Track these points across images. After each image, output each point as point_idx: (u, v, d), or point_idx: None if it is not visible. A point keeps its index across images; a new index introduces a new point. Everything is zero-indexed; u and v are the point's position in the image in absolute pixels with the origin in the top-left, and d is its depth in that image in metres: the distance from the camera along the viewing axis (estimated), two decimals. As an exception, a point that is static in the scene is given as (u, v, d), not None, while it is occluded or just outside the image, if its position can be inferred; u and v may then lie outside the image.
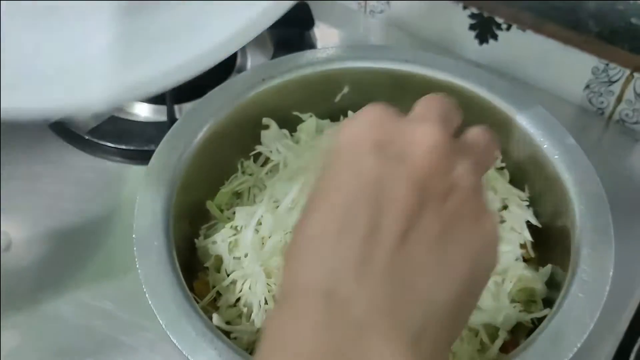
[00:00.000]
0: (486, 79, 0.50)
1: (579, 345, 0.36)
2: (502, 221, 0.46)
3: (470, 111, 0.50)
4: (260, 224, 0.46)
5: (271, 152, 0.50)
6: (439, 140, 0.26)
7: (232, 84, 0.51)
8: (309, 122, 0.52)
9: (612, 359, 0.50)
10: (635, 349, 0.52)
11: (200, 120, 0.48)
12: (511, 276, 0.44)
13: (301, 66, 0.51)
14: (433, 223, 0.25)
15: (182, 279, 0.40)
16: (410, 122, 0.27)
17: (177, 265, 0.40)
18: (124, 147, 0.62)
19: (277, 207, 0.46)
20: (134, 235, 0.41)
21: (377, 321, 0.23)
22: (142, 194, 0.43)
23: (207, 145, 0.48)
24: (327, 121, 0.53)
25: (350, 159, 0.26)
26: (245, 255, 0.45)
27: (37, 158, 0.63)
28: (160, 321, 0.37)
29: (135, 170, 0.61)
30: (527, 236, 0.46)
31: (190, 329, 0.37)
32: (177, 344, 0.36)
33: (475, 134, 0.30)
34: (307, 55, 0.52)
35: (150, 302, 0.38)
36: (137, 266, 0.40)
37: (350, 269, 0.24)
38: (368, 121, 0.27)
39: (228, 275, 0.45)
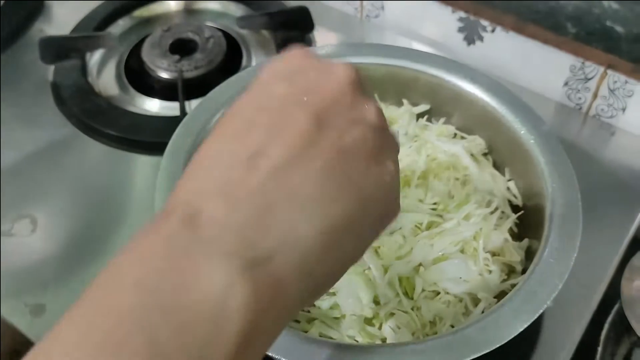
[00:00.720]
0: (470, 74, 0.55)
1: (548, 302, 0.41)
2: (494, 210, 0.50)
3: (458, 103, 0.56)
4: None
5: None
6: (352, 77, 0.26)
7: (239, 79, 0.56)
8: None
9: (587, 329, 0.55)
10: (609, 319, 0.57)
11: (211, 110, 0.53)
12: (492, 250, 0.49)
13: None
14: (322, 154, 0.24)
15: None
16: (328, 62, 0.28)
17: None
18: (137, 138, 0.67)
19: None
20: (155, 212, 0.46)
21: (224, 238, 0.23)
22: (161, 175, 0.48)
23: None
24: None
25: (261, 88, 0.27)
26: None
27: (57, 149, 0.68)
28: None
29: (148, 160, 0.67)
30: (512, 215, 0.51)
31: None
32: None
33: None
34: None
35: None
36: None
37: (221, 190, 0.24)
38: (289, 57, 0.28)
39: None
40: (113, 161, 0.67)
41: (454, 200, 0.49)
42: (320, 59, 0.28)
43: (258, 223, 0.23)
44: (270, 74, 0.27)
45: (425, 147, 0.52)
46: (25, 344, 0.54)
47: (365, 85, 0.28)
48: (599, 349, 0.55)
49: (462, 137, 0.55)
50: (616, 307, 0.57)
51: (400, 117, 0.55)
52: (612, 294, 0.57)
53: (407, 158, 0.51)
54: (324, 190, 0.24)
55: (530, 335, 0.54)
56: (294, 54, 0.28)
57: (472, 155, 0.53)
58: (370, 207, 0.25)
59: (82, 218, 0.62)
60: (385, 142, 0.27)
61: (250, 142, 0.25)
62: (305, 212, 0.24)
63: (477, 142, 0.54)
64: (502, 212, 0.51)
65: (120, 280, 0.23)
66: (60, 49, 0.72)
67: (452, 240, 0.45)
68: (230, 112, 0.27)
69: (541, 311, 0.41)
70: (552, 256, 0.43)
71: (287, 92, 0.26)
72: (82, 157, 0.67)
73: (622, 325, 0.56)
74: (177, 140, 0.50)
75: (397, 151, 0.29)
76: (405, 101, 0.57)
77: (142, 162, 0.67)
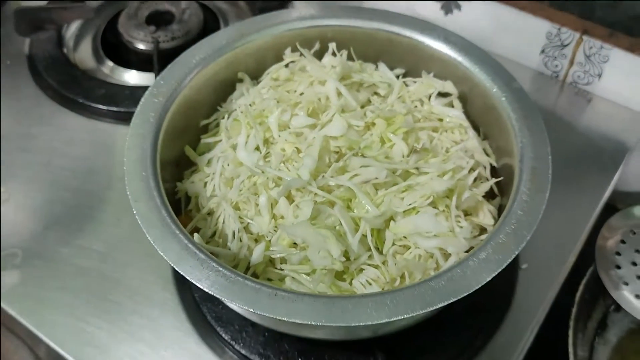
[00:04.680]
0: (443, 34, 0.55)
1: (516, 252, 0.41)
2: (471, 170, 0.50)
3: (432, 64, 0.56)
4: (228, 165, 0.50)
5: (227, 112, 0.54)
6: None
7: (209, 42, 0.55)
8: (276, 67, 0.56)
9: (561, 291, 0.55)
10: (584, 281, 0.57)
11: (181, 73, 0.53)
12: (466, 209, 0.49)
13: (275, 24, 0.56)
14: None
15: (168, 204, 0.44)
16: None
17: (163, 191, 0.45)
18: (114, 108, 0.67)
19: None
20: (124, 167, 0.46)
21: None
22: (131, 134, 0.48)
23: (190, 95, 0.53)
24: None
25: None
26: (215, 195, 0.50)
27: (32, 120, 0.68)
28: (148, 236, 0.42)
29: (124, 130, 0.66)
30: (490, 178, 0.51)
31: (175, 244, 0.42)
32: (163, 256, 0.41)
33: None
34: (282, 15, 0.57)
35: (139, 221, 0.42)
36: (127, 191, 0.44)
37: None
38: None
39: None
40: (91, 132, 0.66)
41: (433, 156, 0.49)
42: None
43: None
44: None
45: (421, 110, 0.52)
46: None
47: None
48: (574, 310, 0.55)
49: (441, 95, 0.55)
50: (591, 269, 0.57)
51: (382, 84, 0.55)
52: (587, 256, 0.58)
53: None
54: None
55: (505, 296, 0.54)
56: None
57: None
58: None
59: (61, 188, 0.62)
60: None
61: None
62: None
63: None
64: (479, 173, 0.51)
65: None
66: (35, 20, 0.71)
67: (424, 193, 0.45)
68: None
69: (509, 261, 0.41)
70: (520, 208, 0.43)
71: None
72: (59, 129, 0.67)
73: (597, 287, 0.57)
74: (147, 100, 0.50)
75: None
76: (382, 64, 0.57)
77: (121, 133, 0.66)
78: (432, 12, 0.73)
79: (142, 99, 0.50)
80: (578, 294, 0.56)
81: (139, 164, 0.46)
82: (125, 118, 0.67)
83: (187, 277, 0.40)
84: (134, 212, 0.43)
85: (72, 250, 0.57)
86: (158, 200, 0.44)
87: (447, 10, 0.72)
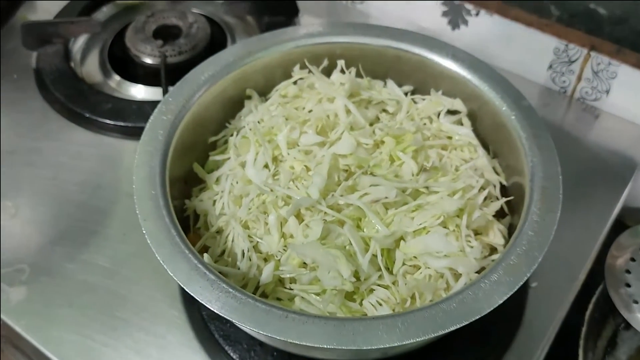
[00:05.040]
0: (452, 51, 0.55)
1: (528, 274, 0.41)
2: (481, 190, 0.50)
3: (441, 83, 0.56)
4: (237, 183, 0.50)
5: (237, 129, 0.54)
6: None
7: (217, 58, 0.55)
8: (285, 84, 0.56)
9: (571, 310, 0.55)
10: (594, 299, 0.57)
11: (190, 90, 0.53)
12: (476, 229, 0.48)
13: (284, 41, 0.56)
14: None
15: (177, 223, 0.44)
16: None
17: (173, 210, 0.45)
18: (121, 123, 0.67)
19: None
20: (133, 186, 0.46)
21: None
22: (140, 151, 0.48)
23: (198, 112, 0.52)
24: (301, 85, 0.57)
25: None
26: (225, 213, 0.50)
27: (39, 134, 0.68)
28: (158, 256, 0.42)
29: (132, 145, 0.66)
30: (500, 198, 0.51)
31: (185, 264, 0.41)
32: (173, 276, 0.41)
33: None
34: (290, 32, 0.57)
35: (148, 240, 0.42)
36: (137, 210, 0.44)
37: None
38: None
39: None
40: (97, 146, 0.66)
41: (443, 175, 0.48)
42: None
43: None
44: None
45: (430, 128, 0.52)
46: None
47: None
48: (584, 328, 0.55)
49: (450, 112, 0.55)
50: (600, 287, 0.57)
51: (391, 101, 0.55)
52: (597, 274, 0.57)
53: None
54: None
55: (515, 315, 0.53)
56: None
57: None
58: None
59: (68, 203, 0.61)
60: None
61: None
62: None
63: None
64: (489, 192, 0.51)
65: None
66: (42, 35, 0.71)
67: (434, 213, 0.45)
68: None
69: (521, 283, 0.41)
70: (531, 229, 0.43)
71: None
72: (66, 143, 0.67)
73: (607, 306, 0.56)
74: (155, 118, 0.50)
75: None
76: (390, 81, 0.57)
77: (127, 147, 0.66)
78: (439, 27, 0.73)
79: (152, 117, 0.50)
80: (588, 313, 0.55)
81: (148, 182, 0.46)
82: (132, 133, 0.67)
83: (197, 298, 0.40)
84: (144, 232, 0.43)
85: (78, 265, 0.57)
86: (167, 219, 0.44)
87: (454, 25, 0.72)
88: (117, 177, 0.64)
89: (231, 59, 0.55)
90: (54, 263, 0.57)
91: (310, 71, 0.57)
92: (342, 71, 0.57)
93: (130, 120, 0.67)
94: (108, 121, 0.67)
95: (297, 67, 0.57)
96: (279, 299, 0.46)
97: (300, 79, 0.56)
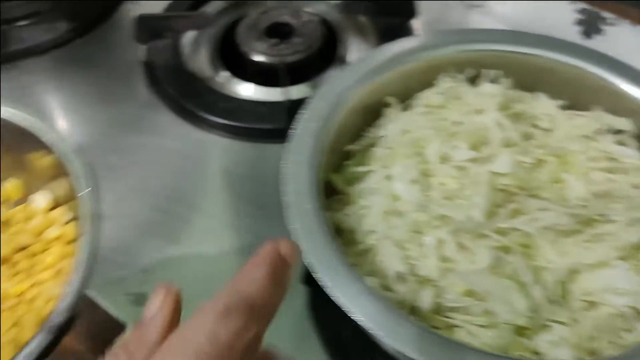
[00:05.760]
0: (610, 62, 0.51)
1: None
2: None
3: (601, 98, 0.51)
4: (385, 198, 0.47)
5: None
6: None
7: (356, 66, 0.52)
8: (426, 94, 0.53)
9: None
10: None
11: (333, 96, 0.50)
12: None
13: (426, 49, 0.52)
14: None
15: (337, 243, 0.41)
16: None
17: (332, 228, 0.42)
18: (234, 123, 0.64)
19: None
20: (285, 199, 0.43)
21: None
22: (289, 160, 0.45)
23: (344, 120, 0.49)
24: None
25: None
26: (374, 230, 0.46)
27: (145, 129, 0.66)
28: (324, 281, 0.39)
29: (241, 145, 0.63)
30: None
31: (353, 289, 0.38)
32: (341, 303, 0.38)
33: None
34: (431, 38, 0.53)
35: (311, 264, 0.39)
36: (291, 228, 0.41)
37: None
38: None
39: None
40: (203, 145, 0.64)
41: (613, 201, 0.44)
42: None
43: None
44: None
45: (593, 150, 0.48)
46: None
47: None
48: None
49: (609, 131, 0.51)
50: None
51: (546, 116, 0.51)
52: None
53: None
54: None
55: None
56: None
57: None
58: None
59: (174, 202, 0.59)
60: None
61: None
62: None
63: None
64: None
65: None
66: (155, 28, 0.69)
67: (614, 245, 0.41)
68: None
69: None
70: None
71: None
72: (171, 139, 0.64)
73: None
74: (305, 124, 0.47)
75: None
76: (542, 94, 0.53)
77: (240, 148, 0.63)
78: (568, 35, 0.68)
79: (299, 124, 0.47)
80: None
81: (301, 195, 0.43)
82: (242, 133, 0.64)
83: (391, 343, 0.36)
84: (304, 255, 0.40)
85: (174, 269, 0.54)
86: (327, 237, 0.41)
87: (588, 34, 0.67)
88: (228, 180, 0.61)
89: (372, 65, 0.52)
90: (143, 261, 0.54)
91: (455, 80, 0.53)
92: (492, 81, 0.53)
93: (244, 120, 0.64)
94: (221, 120, 0.64)
95: (441, 76, 0.53)
96: (436, 327, 0.42)
97: (448, 88, 0.53)
